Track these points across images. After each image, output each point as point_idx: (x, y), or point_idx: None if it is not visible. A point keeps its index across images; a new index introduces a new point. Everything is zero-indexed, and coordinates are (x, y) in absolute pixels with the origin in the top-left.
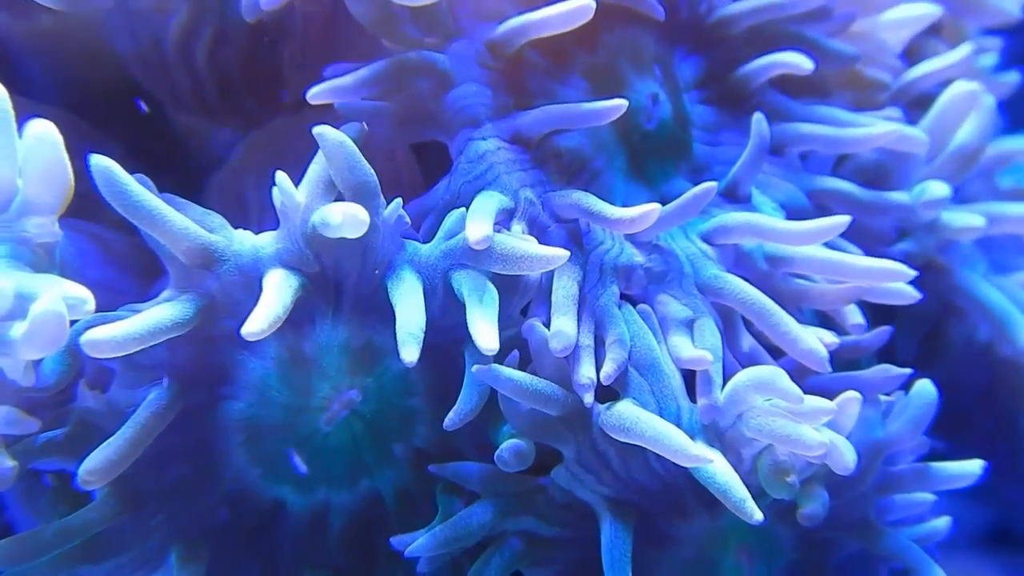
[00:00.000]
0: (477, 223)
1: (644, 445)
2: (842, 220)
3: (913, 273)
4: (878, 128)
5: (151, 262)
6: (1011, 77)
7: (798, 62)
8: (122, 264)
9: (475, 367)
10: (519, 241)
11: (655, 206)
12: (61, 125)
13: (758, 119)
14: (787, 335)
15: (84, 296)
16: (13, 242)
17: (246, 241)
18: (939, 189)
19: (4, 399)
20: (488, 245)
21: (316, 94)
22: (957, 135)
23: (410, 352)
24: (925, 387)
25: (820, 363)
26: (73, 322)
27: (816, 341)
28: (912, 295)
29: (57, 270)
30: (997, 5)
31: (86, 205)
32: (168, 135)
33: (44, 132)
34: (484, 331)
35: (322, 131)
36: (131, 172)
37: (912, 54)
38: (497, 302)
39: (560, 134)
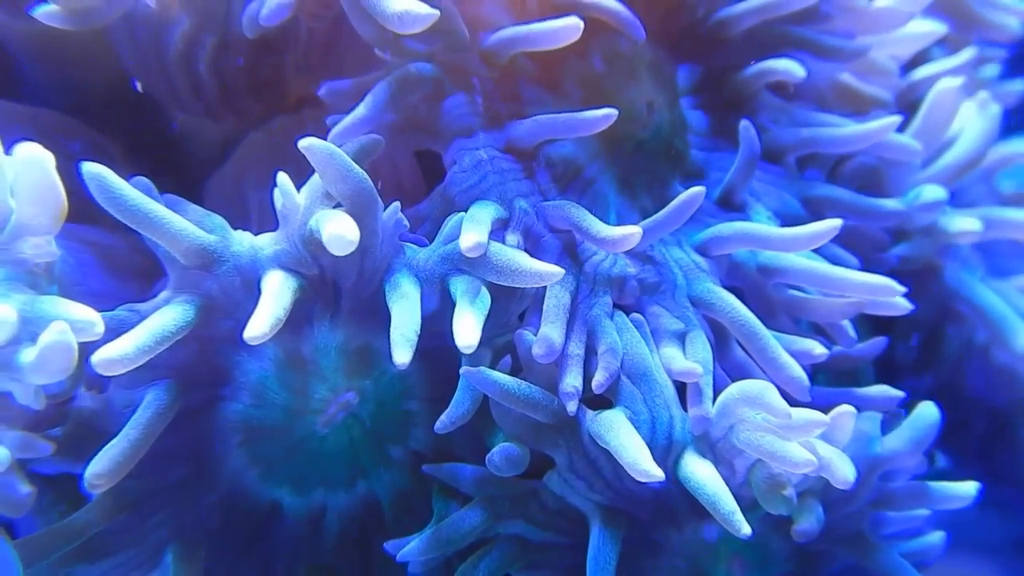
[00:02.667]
0: (471, 231)
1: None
2: (834, 224)
3: (903, 289)
4: (873, 124)
5: (152, 264)
6: (1017, 86)
7: (790, 68)
8: (123, 270)
9: (463, 369)
10: (516, 253)
11: (637, 229)
12: (61, 126)
13: (745, 127)
14: (773, 361)
15: (92, 319)
16: (10, 264)
17: (245, 242)
18: (935, 192)
19: (15, 423)
20: (482, 253)
21: (337, 134)
22: (958, 143)
23: (402, 354)
24: (928, 409)
25: (802, 392)
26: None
27: (799, 370)
28: (905, 307)
29: (56, 286)
30: (998, 21)
31: (84, 208)
32: (168, 135)
33: (33, 154)
34: (465, 327)
35: (309, 144)
36: (131, 172)
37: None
38: (488, 306)
39: (554, 143)
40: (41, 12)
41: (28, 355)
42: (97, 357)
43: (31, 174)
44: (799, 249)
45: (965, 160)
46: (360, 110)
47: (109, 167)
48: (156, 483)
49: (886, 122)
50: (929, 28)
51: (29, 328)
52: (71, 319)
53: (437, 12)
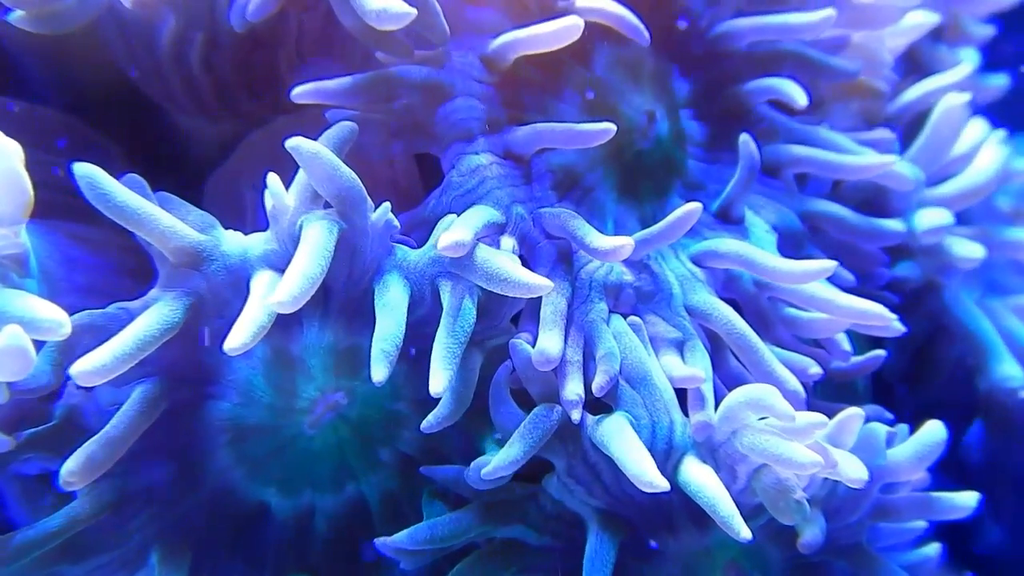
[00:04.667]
0: (454, 229)
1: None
2: (828, 265)
3: (892, 316)
4: (871, 159)
5: (144, 261)
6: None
7: (793, 93)
8: (113, 265)
9: (473, 465)
10: (506, 262)
11: (630, 240)
12: (56, 124)
13: (745, 141)
14: (769, 374)
15: (59, 319)
16: None
17: (235, 242)
18: (940, 217)
19: None
20: (461, 253)
21: (300, 94)
22: (969, 172)
23: (379, 371)
24: (936, 427)
25: (798, 404)
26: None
27: (796, 382)
28: (898, 329)
29: (34, 280)
30: None
31: (77, 205)
32: (167, 136)
33: None
34: (433, 374)
35: (295, 144)
36: (131, 172)
37: (913, 59)
38: (471, 321)
39: (553, 150)
40: (14, 17)
41: None
42: (75, 369)
43: None
44: (789, 283)
45: (972, 190)
46: (335, 82)
47: (107, 166)
48: (140, 482)
49: (882, 159)
50: (921, 19)
51: None
52: (37, 318)
53: (414, 12)
